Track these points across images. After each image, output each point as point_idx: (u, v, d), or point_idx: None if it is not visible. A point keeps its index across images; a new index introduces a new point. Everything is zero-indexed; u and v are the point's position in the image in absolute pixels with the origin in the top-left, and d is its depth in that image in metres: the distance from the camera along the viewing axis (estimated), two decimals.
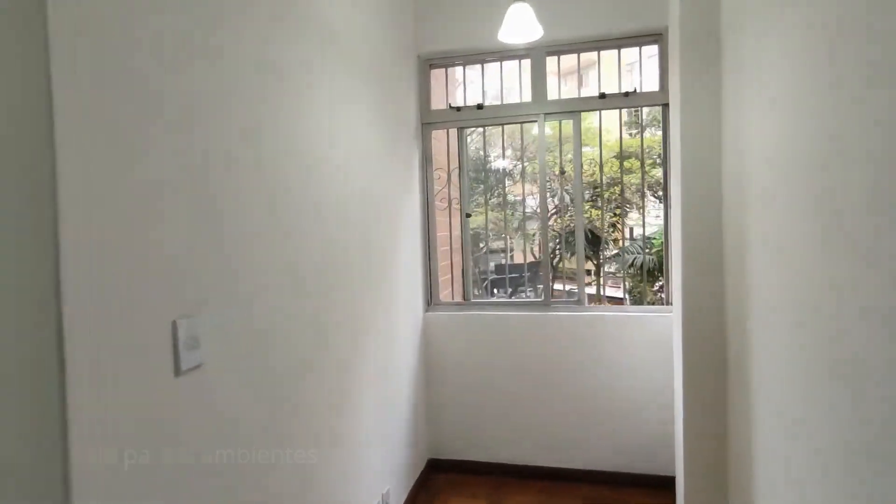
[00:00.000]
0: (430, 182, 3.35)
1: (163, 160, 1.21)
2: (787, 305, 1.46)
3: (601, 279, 13.47)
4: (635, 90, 3.10)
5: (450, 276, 3.46)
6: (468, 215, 3.37)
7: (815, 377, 1.27)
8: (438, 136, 3.62)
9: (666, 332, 3.02)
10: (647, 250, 13.64)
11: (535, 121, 3.19)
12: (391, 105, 2.88)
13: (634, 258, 13.85)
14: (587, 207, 13.85)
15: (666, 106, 3.06)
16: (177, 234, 1.24)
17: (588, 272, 16.09)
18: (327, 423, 2.01)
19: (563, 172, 3.22)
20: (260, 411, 1.57)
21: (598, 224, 13.80)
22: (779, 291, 1.55)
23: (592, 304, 3.23)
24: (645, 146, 12.60)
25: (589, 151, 13.76)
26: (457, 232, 3.47)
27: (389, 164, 2.82)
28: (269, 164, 1.65)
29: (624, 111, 3.37)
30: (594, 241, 14.20)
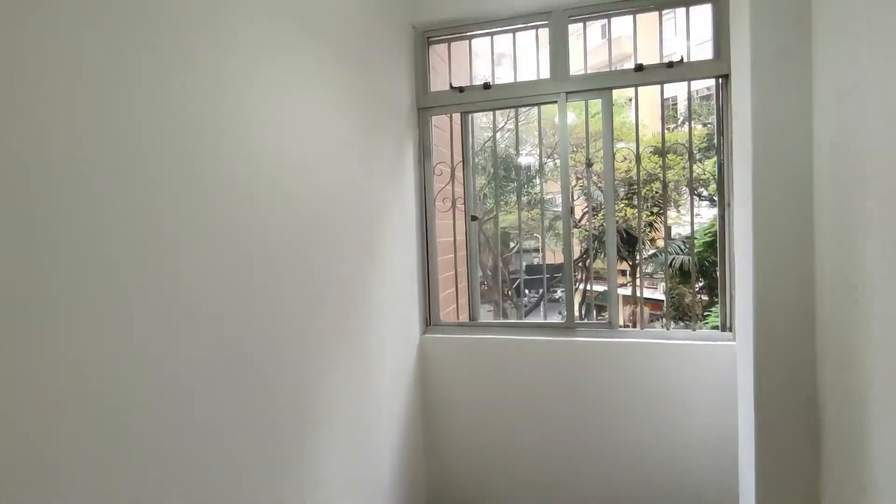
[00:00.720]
0: (428, 178, 2.74)
1: None
2: None
3: (636, 281, 12.62)
4: (682, 59, 2.41)
5: (454, 289, 2.85)
6: (474, 218, 2.74)
7: None
8: (442, 125, 3.01)
9: (725, 367, 2.32)
10: (687, 251, 12.72)
11: (556, 101, 2.54)
12: (376, 85, 2.28)
13: (673, 259, 12.91)
14: (622, 206, 13.03)
15: (724, 78, 2.36)
16: None
17: (623, 273, 15.23)
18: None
19: (590, 165, 2.55)
20: None
21: (633, 223, 12.99)
22: None
23: (628, 327, 2.56)
24: (683, 140, 11.67)
25: (622, 146, 12.90)
26: (463, 237, 2.85)
27: (372, 157, 2.22)
28: (170, 166, 1.08)
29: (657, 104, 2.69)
30: (629, 242, 13.37)
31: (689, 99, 2.52)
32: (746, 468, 1.90)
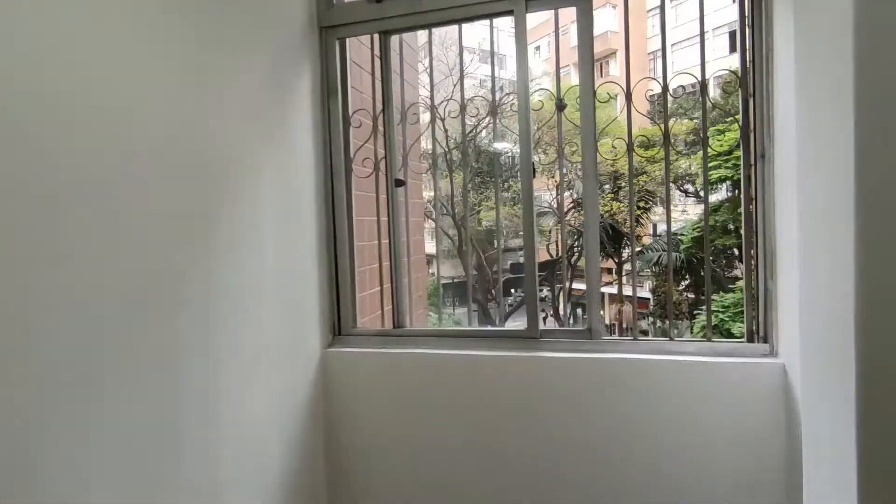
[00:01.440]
0: (335, 130, 1.91)
1: None
2: None
3: (623, 278, 11.93)
4: None
5: (379, 288, 2.03)
6: (399, 183, 1.92)
7: None
8: (362, 58, 2.19)
9: (762, 395, 1.53)
10: (670, 247, 12.07)
11: (511, 11, 1.73)
12: None
13: (660, 255, 12.17)
14: (607, 199, 12.28)
15: None
16: None
17: (608, 271, 14.49)
18: None
19: (562, 108, 1.74)
20: None
21: (618, 218, 12.24)
22: None
23: (613, 335, 1.75)
24: (673, 131, 11.00)
25: (605, 140, 12.10)
26: (402, 217, 2.03)
27: (231, 93, 1.42)
28: None
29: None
30: (615, 238, 12.63)
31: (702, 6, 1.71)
32: None
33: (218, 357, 1.35)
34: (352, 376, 1.85)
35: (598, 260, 1.77)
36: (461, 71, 1.92)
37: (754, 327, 1.66)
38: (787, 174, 1.44)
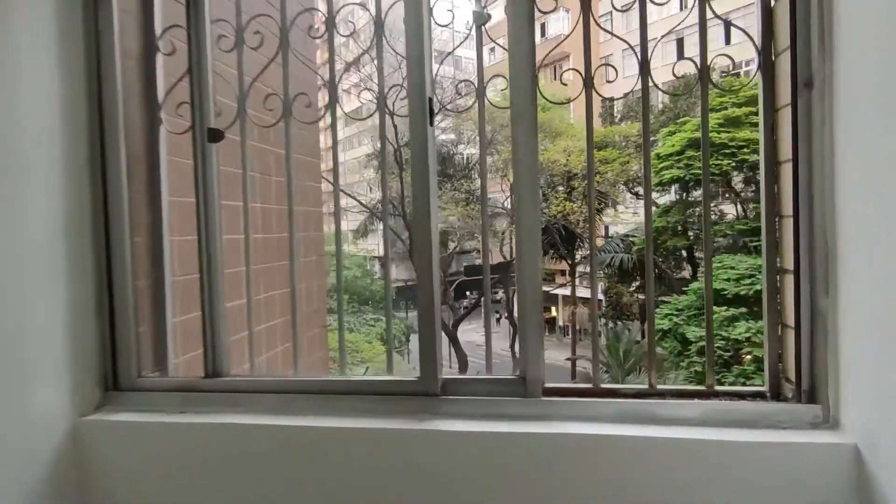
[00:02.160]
0: (110, 54, 1.12)
1: None
2: None
3: (575, 282, 11.45)
4: None
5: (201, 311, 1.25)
6: (215, 137, 1.13)
7: None
8: None
9: (816, 496, 0.84)
10: (624, 249, 11.68)
11: None
12: None
13: (612, 257, 11.75)
14: (560, 199, 11.79)
15: None
16: None
17: (562, 273, 13.98)
18: None
19: (483, 21, 1.00)
20: None
21: (571, 219, 11.78)
22: None
23: (559, 385, 1.03)
24: (625, 134, 10.56)
25: (556, 144, 11.52)
26: (236, 203, 1.26)
27: None
28: None
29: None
30: (569, 239, 12.17)
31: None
32: None
33: None
34: (131, 462, 1.06)
35: (538, 269, 1.05)
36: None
37: (788, 376, 0.97)
38: (866, 111, 0.76)
